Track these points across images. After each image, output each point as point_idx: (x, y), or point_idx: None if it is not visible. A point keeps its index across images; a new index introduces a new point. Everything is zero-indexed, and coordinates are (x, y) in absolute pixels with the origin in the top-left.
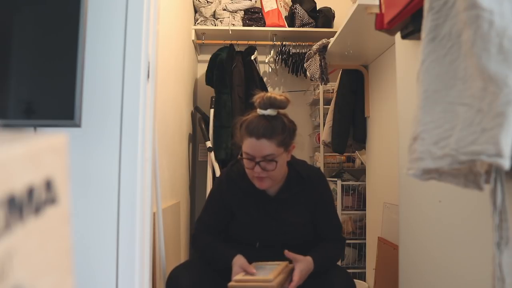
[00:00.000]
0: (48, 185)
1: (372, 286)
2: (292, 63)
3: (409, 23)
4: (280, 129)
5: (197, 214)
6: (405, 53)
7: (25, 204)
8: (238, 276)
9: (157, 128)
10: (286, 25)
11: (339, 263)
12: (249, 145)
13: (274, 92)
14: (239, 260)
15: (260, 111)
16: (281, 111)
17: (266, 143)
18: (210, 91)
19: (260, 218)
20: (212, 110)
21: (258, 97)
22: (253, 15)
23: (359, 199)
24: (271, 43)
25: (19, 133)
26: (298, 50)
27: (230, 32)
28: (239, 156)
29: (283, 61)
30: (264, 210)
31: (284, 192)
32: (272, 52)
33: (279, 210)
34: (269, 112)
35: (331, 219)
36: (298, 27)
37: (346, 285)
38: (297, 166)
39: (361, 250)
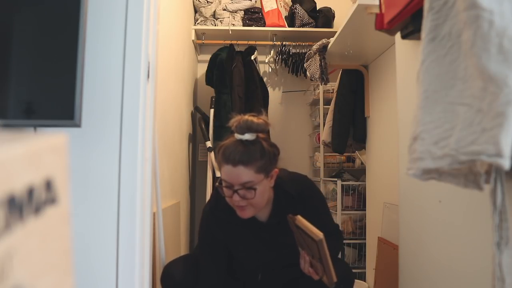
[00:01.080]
0: (48, 185)
1: (372, 286)
2: (292, 63)
3: (409, 23)
4: (259, 155)
5: (197, 214)
6: (405, 53)
7: (25, 204)
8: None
9: (157, 128)
10: (286, 25)
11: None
12: (226, 172)
13: (252, 115)
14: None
15: (237, 136)
16: (261, 135)
17: (244, 170)
18: (210, 91)
19: (257, 247)
20: (212, 110)
21: (235, 121)
22: (253, 15)
23: (359, 199)
24: (271, 43)
25: (19, 133)
26: (298, 50)
27: (230, 32)
28: (217, 184)
29: (283, 61)
30: (259, 238)
31: (275, 216)
32: (272, 52)
33: (274, 235)
34: (247, 137)
35: (327, 223)
36: (298, 27)
37: (345, 277)
38: (282, 184)
39: (361, 250)
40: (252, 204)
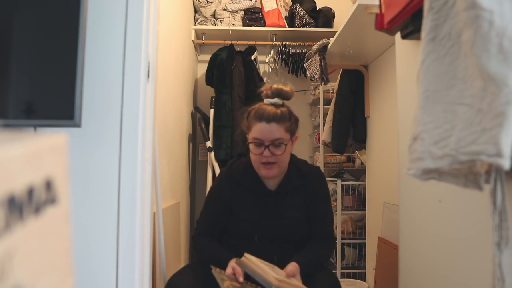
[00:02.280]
0: (48, 185)
1: (372, 286)
2: (292, 63)
3: (409, 23)
4: (288, 116)
5: (197, 214)
6: (405, 53)
7: (25, 204)
8: (249, 256)
9: (157, 128)
10: (286, 25)
11: (339, 263)
12: (259, 129)
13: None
14: (232, 263)
15: (267, 100)
16: (286, 102)
17: (276, 127)
18: (210, 91)
19: (259, 212)
20: (212, 110)
21: (265, 88)
22: (253, 15)
23: (359, 199)
24: (271, 43)
25: (19, 133)
26: (298, 50)
27: (230, 32)
28: (247, 142)
29: (283, 61)
30: (264, 205)
31: (284, 186)
32: (272, 52)
33: (279, 204)
34: (275, 101)
35: (324, 215)
36: (298, 27)
37: (331, 286)
38: (296, 162)
39: (361, 250)
40: (278, 162)
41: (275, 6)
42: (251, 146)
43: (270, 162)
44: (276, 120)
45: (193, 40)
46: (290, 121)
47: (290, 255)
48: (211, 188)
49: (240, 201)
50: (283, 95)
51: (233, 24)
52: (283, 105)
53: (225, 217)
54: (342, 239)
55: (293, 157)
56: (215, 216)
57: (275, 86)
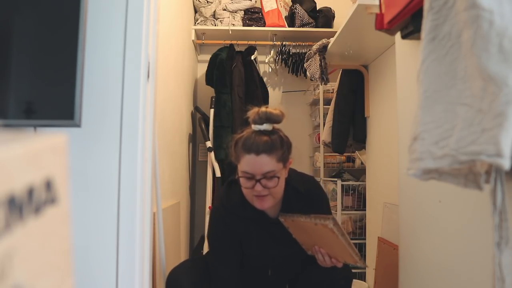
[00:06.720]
0: (48, 185)
1: (372, 286)
2: (292, 63)
3: (409, 23)
4: (279, 144)
5: (197, 214)
6: (405, 53)
7: (25, 204)
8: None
9: (157, 128)
10: (286, 25)
11: None
12: (247, 162)
13: (266, 107)
14: None
15: (255, 127)
16: (276, 126)
17: (266, 159)
18: (210, 91)
19: (266, 243)
20: (212, 110)
21: (252, 112)
22: (253, 15)
23: (359, 199)
24: (271, 43)
25: (19, 133)
26: (298, 50)
27: (230, 32)
28: (236, 177)
29: (283, 61)
30: (269, 234)
31: (285, 212)
32: (272, 52)
33: (284, 231)
34: (265, 127)
35: None
36: (298, 27)
37: (346, 275)
38: (291, 181)
39: (361, 250)
40: (272, 194)
41: (275, 6)
42: (241, 180)
43: (263, 195)
44: (266, 151)
45: (193, 40)
46: (282, 149)
47: (305, 280)
48: (211, 225)
49: (245, 235)
50: (273, 119)
51: (233, 24)
52: (273, 131)
53: (239, 247)
54: None
55: (287, 176)
56: (229, 248)
57: (263, 109)
